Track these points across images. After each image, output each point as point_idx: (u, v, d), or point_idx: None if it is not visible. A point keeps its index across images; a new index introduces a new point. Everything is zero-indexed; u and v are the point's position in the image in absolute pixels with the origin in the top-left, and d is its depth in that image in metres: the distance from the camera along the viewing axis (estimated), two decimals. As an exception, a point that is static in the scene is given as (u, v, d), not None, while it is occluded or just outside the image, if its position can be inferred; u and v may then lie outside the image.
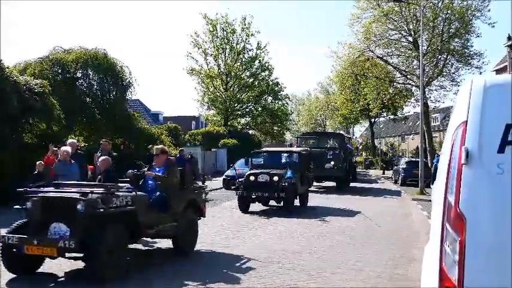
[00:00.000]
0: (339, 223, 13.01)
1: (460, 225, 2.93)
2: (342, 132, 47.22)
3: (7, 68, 16.95)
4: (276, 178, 14.80)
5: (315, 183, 25.96)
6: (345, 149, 26.03)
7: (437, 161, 5.47)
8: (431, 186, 4.53)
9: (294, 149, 18.94)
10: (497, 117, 3.00)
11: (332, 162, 23.33)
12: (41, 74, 20.44)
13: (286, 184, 14.62)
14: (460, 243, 2.91)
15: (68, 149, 10.70)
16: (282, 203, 15.17)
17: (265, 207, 15.90)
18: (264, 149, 19.22)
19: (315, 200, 18.51)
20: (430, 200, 11.71)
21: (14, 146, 15.50)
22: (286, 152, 17.28)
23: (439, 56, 31.63)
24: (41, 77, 19.45)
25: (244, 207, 15.11)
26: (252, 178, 15.20)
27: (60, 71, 22.33)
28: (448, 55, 31.62)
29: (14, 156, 15.00)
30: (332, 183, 25.24)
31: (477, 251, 2.90)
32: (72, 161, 10.47)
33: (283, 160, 17.02)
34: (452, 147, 3.15)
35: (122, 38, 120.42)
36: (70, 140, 12.90)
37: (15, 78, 16.32)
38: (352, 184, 26.83)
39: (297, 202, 15.94)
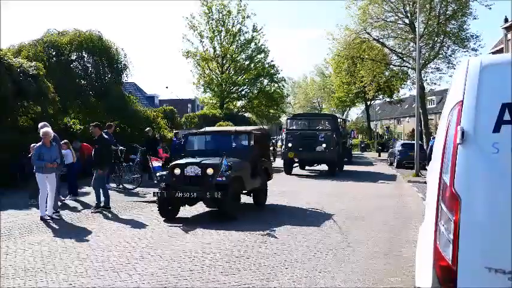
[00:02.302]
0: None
1: (455, 205, 2.95)
2: (337, 114, 47.08)
3: (1, 50, 16.84)
4: (210, 171, 10.31)
5: (307, 167, 25.33)
6: (338, 131, 24.97)
7: (433, 143, 5.51)
8: (426, 168, 4.55)
9: (242, 128, 13.77)
10: (493, 97, 3.01)
11: (323, 145, 22.21)
12: (35, 57, 20.30)
13: (223, 179, 10.10)
14: (455, 223, 2.93)
15: (50, 131, 10.27)
16: (219, 206, 10.38)
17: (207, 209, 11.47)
18: (203, 130, 13.57)
19: (302, 183, 18.03)
20: (425, 182, 11.72)
21: (9, 128, 15.46)
22: (233, 133, 12.57)
23: (436, 38, 31.62)
24: (35, 59, 19.34)
25: (167, 213, 10.58)
26: (177, 171, 10.59)
27: (54, 53, 22.14)
28: (444, 37, 31.61)
29: (10, 138, 14.97)
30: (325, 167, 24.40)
31: (471, 231, 2.91)
32: (53, 143, 10.33)
33: (234, 144, 12.44)
34: (448, 127, 3.16)
35: (117, 20, 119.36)
36: (43, 123, 10.92)
37: (9, 60, 16.20)
38: (347, 167, 26.59)
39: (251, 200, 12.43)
